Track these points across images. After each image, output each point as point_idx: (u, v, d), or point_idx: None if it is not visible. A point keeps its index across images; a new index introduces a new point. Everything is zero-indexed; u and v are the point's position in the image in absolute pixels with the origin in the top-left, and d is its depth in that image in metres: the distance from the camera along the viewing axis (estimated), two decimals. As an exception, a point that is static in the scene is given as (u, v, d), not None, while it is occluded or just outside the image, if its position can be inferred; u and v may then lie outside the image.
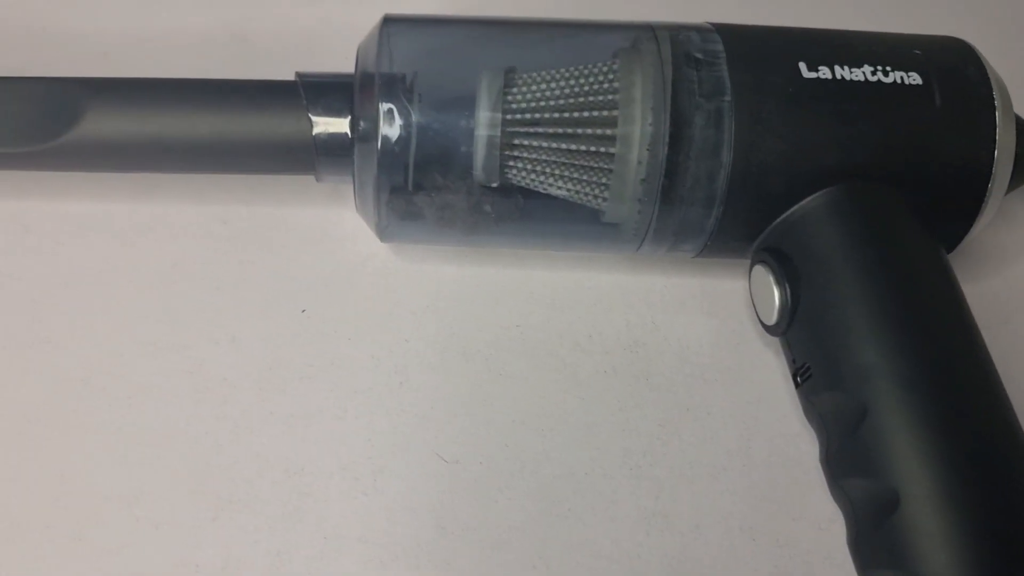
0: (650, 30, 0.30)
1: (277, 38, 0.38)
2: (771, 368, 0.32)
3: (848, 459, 0.27)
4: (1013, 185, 0.30)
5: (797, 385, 0.29)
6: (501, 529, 0.29)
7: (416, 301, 0.33)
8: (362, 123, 0.29)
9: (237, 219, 0.34)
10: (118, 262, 0.32)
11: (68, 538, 0.28)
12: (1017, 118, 0.30)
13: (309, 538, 0.28)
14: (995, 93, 0.29)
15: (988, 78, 0.29)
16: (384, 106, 0.29)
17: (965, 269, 0.32)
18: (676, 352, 0.32)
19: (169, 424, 0.30)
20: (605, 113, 0.29)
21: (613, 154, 0.29)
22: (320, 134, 0.30)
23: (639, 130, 0.29)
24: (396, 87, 0.29)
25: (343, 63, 0.36)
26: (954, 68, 0.30)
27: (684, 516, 0.30)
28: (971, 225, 0.29)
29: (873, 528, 0.26)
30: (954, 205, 0.30)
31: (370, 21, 0.38)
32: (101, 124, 0.30)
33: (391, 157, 0.29)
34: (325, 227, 0.34)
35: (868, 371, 0.27)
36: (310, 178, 0.31)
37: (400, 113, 0.29)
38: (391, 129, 0.29)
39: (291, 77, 0.33)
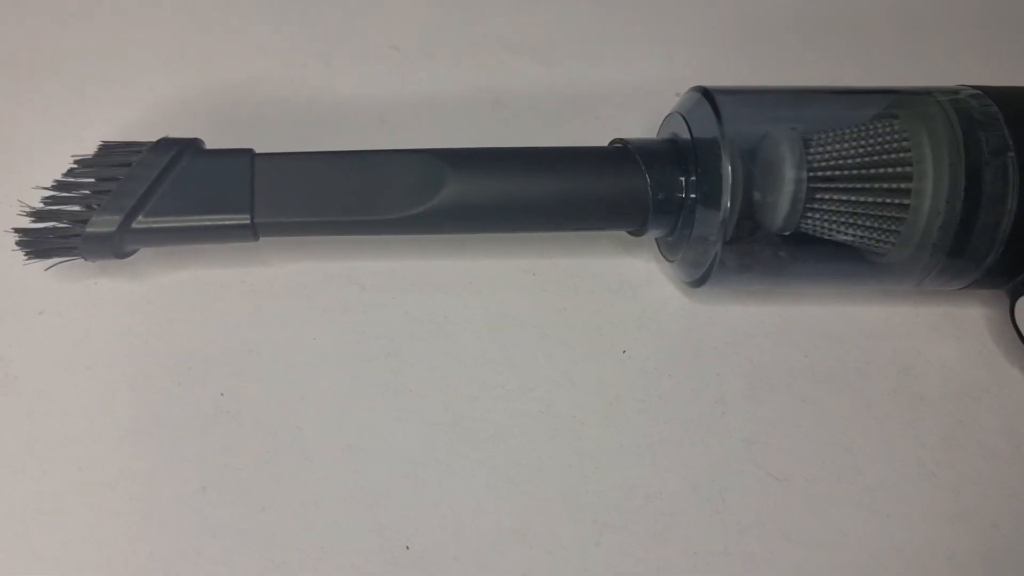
0: (928, 94, 0.35)
1: (530, 102, 0.42)
2: (1020, 382, 0.37)
3: None
4: None
5: (1072, 397, 0.34)
6: (835, 535, 0.33)
7: (716, 338, 0.36)
8: (705, 186, 0.33)
9: (543, 271, 0.37)
10: (450, 313, 0.36)
11: (477, 568, 0.31)
12: None
13: (680, 553, 0.32)
14: None
15: None
16: (726, 168, 0.33)
17: None
18: (939, 373, 0.37)
19: (535, 460, 0.33)
20: (899, 169, 0.33)
21: (907, 205, 0.33)
22: (657, 194, 0.34)
23: (932, 184, 0.33)
24: (732, 150, 0.33)
25: (592, 121, 0.40)
26: None
27: (982, 515, 0.34)
28: None
29: None
30: None
31: (601, 84, 0.43)
32: (463, 189, 0.33)
33: (728, 215, 0.33)
34: (620, 274, 0.38)
35: None
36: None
37: (734, 174, 0.33)
38: (729, 188, 0.33)
39: (546, 135, 0.37)
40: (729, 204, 0.33)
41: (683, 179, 0.34)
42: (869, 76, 0.45)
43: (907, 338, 0.38)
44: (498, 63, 0.43)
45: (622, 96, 0.42)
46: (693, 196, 0.34)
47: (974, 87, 0.36)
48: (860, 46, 0.46)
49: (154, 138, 0.35)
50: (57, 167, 0.32)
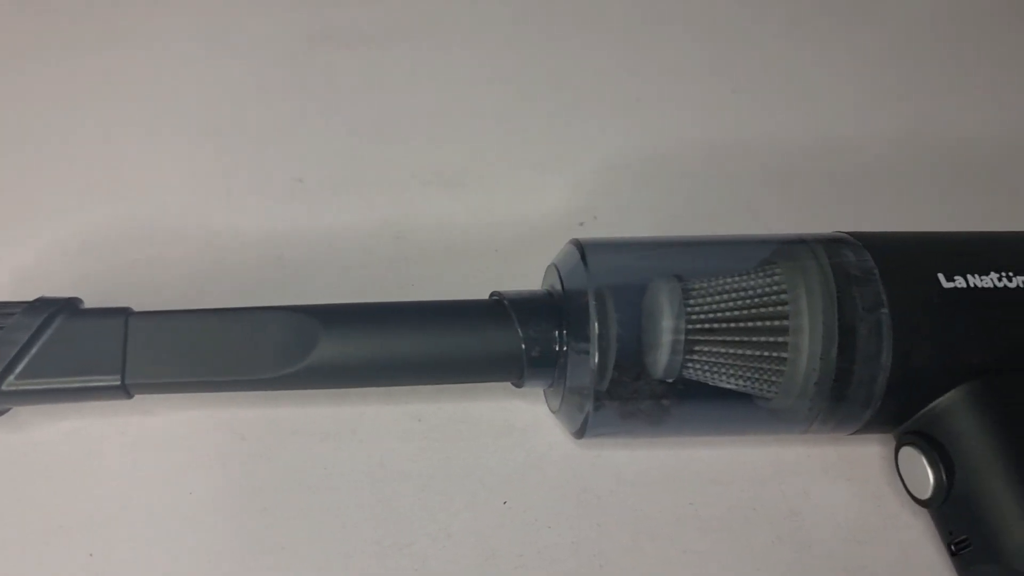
0: (804, 244, 0.35)
1: (431, 234, 0.42)
2: (911, 527, 0.37)
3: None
4: None
5: (952, 553, 0.34)
6: None
7: (600, 486, 0.36)
8: (576, 339, 0.33)
9: (429, 416, 0.37)
10: (330, 465, 0.36)
11: None
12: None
13: None
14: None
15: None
16: (596, 322, 0.33)
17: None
18: (828, 517, 0.37)
19: (406, 622, 0.33)
20: (776, 323, 0.33)
21: (785, 358, 0.33)
22: (531, 350, 0.34)
23: (809, 339, 0.33)
24: (603, 303, 0.33)
25: (491, 255, 0.41)
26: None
27: (865, 673, 0.34)
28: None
29: None
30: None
31: (502, 215, 0.43)
32: (336, 348, 0.33)
33: (600, 367, 0.33)
34: (506, 418, 0.37)
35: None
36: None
37: (606, 326, 0.33)
38: (602, 342, 0.33)
39: (444, 269, 0.37)
40: (597, 356, 0.33)
41: (557, 332, 0.34)
42: (764, 208, 0.45)
43: (796, 481, 0.37)
44: (401, 194, 0.43)
45: (522, 227, 0.43)
46: (566, 348, 0.34)
47: (853, 234, 0.36)
48: (765, 176, 0.46)
49: (48, 281, 0.36)
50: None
